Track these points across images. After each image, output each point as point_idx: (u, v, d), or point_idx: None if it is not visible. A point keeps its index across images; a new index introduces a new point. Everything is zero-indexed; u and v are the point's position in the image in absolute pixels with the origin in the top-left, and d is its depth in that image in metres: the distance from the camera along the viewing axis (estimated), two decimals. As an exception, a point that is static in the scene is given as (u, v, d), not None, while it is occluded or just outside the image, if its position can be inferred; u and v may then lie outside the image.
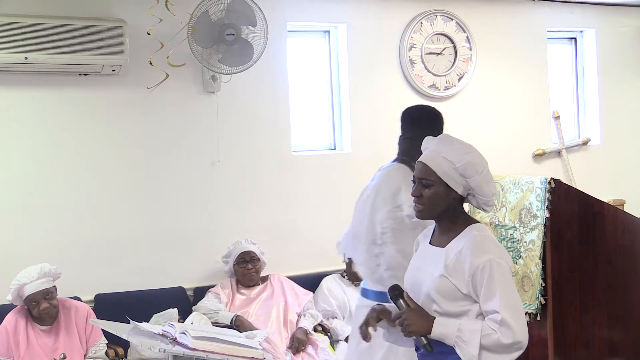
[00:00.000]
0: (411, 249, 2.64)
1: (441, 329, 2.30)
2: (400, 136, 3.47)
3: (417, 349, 2.49)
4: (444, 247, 2.41)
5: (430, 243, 2.50)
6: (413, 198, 2.44)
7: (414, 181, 2.45)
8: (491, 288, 2.27)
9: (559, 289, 3.85)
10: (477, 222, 2.45)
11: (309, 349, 4.45)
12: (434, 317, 2.33)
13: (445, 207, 2.41)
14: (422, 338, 2.34)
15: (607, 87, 6.43)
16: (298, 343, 4.43)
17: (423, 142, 2.52)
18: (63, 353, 3.84)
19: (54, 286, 3.96)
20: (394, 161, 3.37)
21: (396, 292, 2.41)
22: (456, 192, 2.39)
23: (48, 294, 3.91)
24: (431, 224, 2.56)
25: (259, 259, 4.76)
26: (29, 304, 3.92)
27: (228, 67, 4.70)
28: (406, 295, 2.41)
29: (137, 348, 4.15)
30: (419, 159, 2.45)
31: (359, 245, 3.31)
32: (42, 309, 3.90)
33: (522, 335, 2.27)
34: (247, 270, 4.70)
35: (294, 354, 4.38)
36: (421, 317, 2.34)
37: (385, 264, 3.19)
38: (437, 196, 2.39)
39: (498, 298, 2.26)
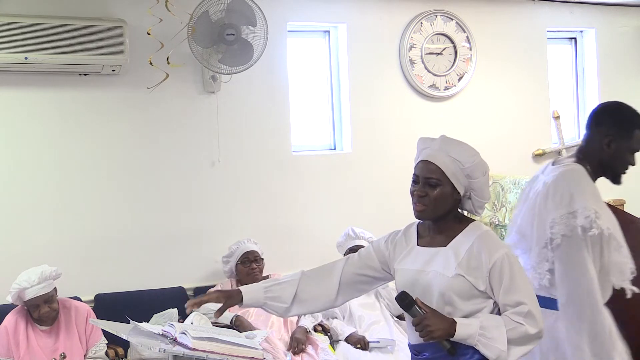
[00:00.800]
0: (580, 260, 2.60)
1: (465, 330, 2.28)
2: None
3: (415, 355, 2.47)
4: (444, 246, 2.39)
5: (418, 245, 2.46)
6: (414, 197, 2.40)
7: (414, 180, 2.42)
8: (514, 280, 2.30)
9: (559, 289, 3.83)
10: (472, 220, 2.45)
11: (309, 349, 4.45)
12: (453, 319, 2.30)
13: (448, 208, 2.39)
14: (445, 342, 2.30)
15: (607, 87, 6.42)
16: (297, 343, 4.42)
17: (419, 143, 2.50)
18: (63, 353, 3.84)
19: (55, 289, 3.96)
20: (572, 157, 2.98)
21: (406, 300, 2.35)
22: (459, 193, 2.38)
23: (48, 298, 3.90)
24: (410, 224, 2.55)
25: (262, 259, 4.76)
26: (29, 307, 3.92)
27: (228, 67, 4.70)
28: (419, 301, 2.35)
29: (137, 348, 4.15)
30: (423, 158, 2.41)
31: (531, 247, 2.91)
32: (42, 313, 3.90)
33: (542, 324, 2.30)
34: (251, 269, 4.69)
35: (294, 354, 4.38)
36: (442, 320, 2.30)
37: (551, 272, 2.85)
38: (443, 196, 2.37)
39: (522, 290, 2.29)
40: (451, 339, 2.29)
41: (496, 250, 2.32)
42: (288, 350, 4.40)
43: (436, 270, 2.37)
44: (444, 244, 2.40)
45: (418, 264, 2.43)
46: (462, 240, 2.37)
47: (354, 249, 4.86)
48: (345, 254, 4.91)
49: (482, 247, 2.32)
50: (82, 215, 4.65)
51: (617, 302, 3.97)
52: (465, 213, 2.49)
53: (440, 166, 2.36)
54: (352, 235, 4.90)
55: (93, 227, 4.67)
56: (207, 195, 4.99)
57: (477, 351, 2.28)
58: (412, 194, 2.42)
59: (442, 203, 2.38)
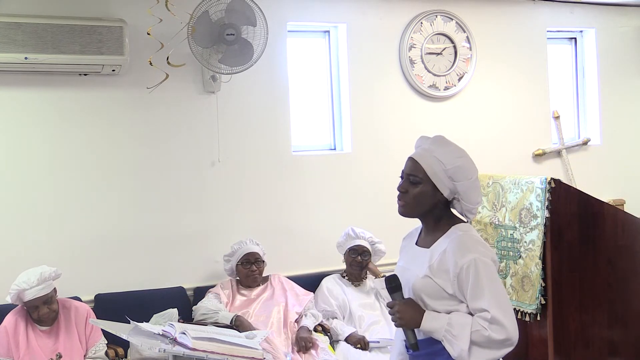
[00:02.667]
0: None
1: (431, 323, 2.32)
2: None
3: (407, 350, 2.50)
4: (428, 247, 2.42)
5: (416, 244, 2.51)
6: (398, 193, 2.44)
7: (401, 176, 2.46)
8: (478, 286, 2.28)
9: (559, 289, 3.84)
10: (462, 221, 2.45)
11: (309, 348, 4.45)
12: (424, 312, 2.35)
13: (429, 208, 2.41)
14: (411, 336, 2.36)
15: (607, 87, 6.43)
16: (304, 342, 4.41)
17: (417, 140, 2.53)
18: (59, 353, 3.83)
19: (54, 289, 3.95)
20: None
21: (393, 284, 2.42)
22: (442, 194, 2.39)
23: (47, 300, 3.90)
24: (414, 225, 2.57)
25: (262, 261, 4.75)
26: (28, 308, 3.92)
27: (228, 67, 4.69)
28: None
29: (137, 348, 4.15)
30: (411, 155, 2.46)
31: None
32: (41, 314, 3.90)
33: (513, 331, 2.27)
34: (251, 271, 4.69)
35: (304, 352, 4.38)
36: (413, 310, 2.36)
37: None
38: (422, 195, 2.39)
39: (486, 296, 2.27)
40: (420, 330, 2.34)
41: (464, 255, 2.30)
42: (298, 351, 4.40)
43: (413, 270, 2.42)
44: (429, 244, 2.43)
45: (407, 262, 2.50)
46: (442, 242, 2.39)
47: (354, 249, 4.87)
48: (345, 254, 4.92)
49: (452, 251, 2.33)
50: (82, 215, 4.65)
51: (619, 303, 3.99)
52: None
53: (423, 165, 2.39)
54: (352, 235, 4.90)
55: (93, 227, 4.67)
56: (207, 195, 4.99)
57: None
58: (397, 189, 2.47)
59: (421, 201, 2.39)
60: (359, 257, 4.86)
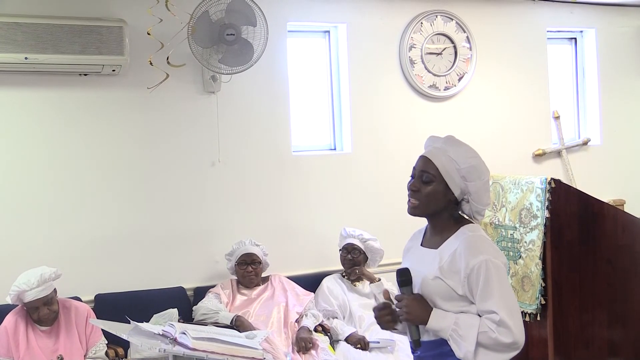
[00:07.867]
0: None
1: (438, 321, 2.31)
2: None
3: (412, 352, 2.49)
4: (436, 248, 2.40)
5: (422, 245, 2.49)
6: (408, 192, 2.43)
7: (412, 175, 2.44)
8: (488, 288, 2.27)
9: (559, 289, 3.85)
10: (470, 222, 2.44)
11: (309, 348, 4.45)
12: (432, 310, 2.34)
13: (439, 207, 2.40)
14: (414, 332, 2.36)
15: (607, 87, 6.43)
16: (304, 342, 4.42)
17: (427, 140, 2.52)
18: (60, 355, 3.82)
19: (54, 290, 3.94)
20: None
21: (404, 277, 2.40)
22: (453, 194, 2.39)
23: (47, 301, 3.89)
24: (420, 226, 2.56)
25: (260, 262, 4.75)
26: (29, 309, 3.91)
27: (228, 67, 4.69)
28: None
29: (137, 348, 4.15)
30: (423, 154, 2.44)
31: None
32: (41, 315, 3.89)
33: (520, 335, 2.26)
34: (246, 272, 4.69)
35: (304, 353, 4.38)
36: (421, 307, 2.35)
37: None
38: (434, 194, 2.38)
39: (495, 298, 2.25)
40: (427, 329, 2.34)
41: (475, 256, 2.29)
42: (298, 351, 4.40)
43: (421, 271, 2.39)
44: (437, 245, 2.41)
45: (413, 264, 2.47)
46: (451, 243, 2.37)
47: (344, 248, 4.91)
48: (340, 253, 4.94)
49: (463, 252, 2.32)
50: (82, 215, 4.65)
51: (619, 303, 3.99)
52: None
53: (435, 163, 2.38)
54: (344, 235, 4.95)
55: (93, 227, 4.67)
56: (207, 195, 4.99)
57: None
58: (408, 188, 2.44)
59: (433, 200, 2.38)
60: (349, 255, 4.88)
